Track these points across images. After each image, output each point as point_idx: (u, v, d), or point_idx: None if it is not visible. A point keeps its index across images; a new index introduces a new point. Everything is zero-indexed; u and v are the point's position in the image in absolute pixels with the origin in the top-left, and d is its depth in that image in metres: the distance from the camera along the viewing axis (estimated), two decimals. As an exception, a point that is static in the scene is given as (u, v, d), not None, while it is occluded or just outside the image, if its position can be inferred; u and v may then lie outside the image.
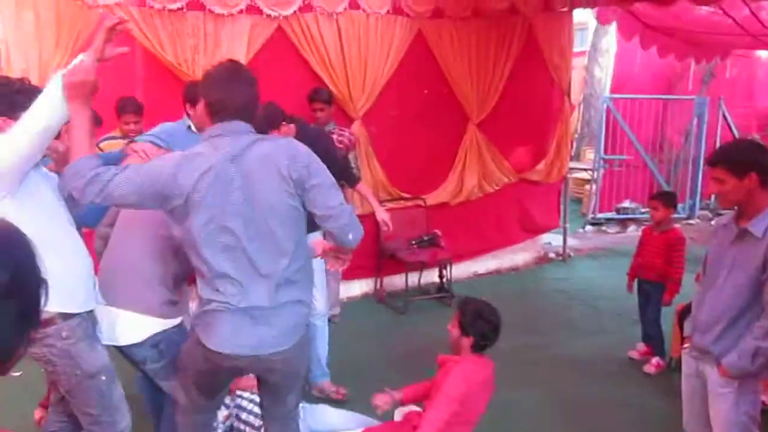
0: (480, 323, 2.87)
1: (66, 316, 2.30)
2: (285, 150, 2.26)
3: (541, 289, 6.51)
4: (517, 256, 7.02)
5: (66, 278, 2.26)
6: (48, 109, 2.12)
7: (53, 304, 2.18)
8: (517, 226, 6.85)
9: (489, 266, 6.80)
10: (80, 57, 2.19)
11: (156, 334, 2.59)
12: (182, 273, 2.61)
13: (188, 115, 3.37)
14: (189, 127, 3.31)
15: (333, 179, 2.32)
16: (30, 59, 4.31)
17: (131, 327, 2.57)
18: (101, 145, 4.24)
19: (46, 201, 2.29)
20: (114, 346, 2.59)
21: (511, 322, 5.12)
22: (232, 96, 2.26)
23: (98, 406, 2.43)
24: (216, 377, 2.44)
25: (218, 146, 2.21)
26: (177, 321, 2.67)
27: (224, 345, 2.25)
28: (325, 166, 2.31)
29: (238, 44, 4.91)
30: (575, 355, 4.75)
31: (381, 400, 2.92)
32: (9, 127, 2.18)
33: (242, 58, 4.90)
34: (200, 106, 2.31)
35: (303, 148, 2.30)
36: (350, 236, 2.34)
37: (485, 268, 6.76)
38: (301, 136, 2.95)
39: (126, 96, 4.38)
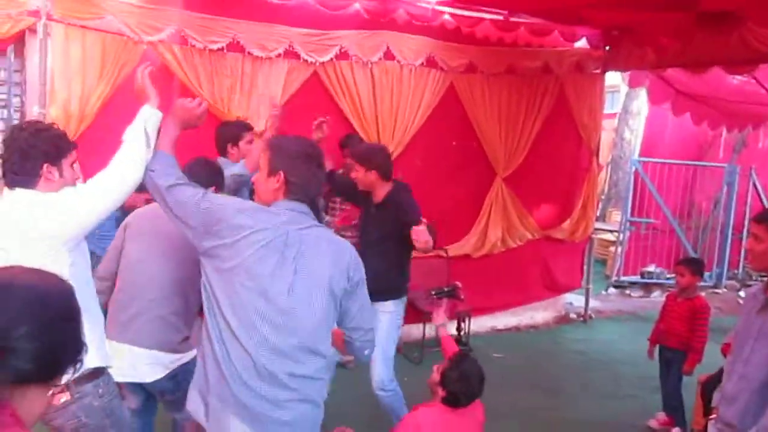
0: (460, 385, 2.78)
1: (98, 372, 2.25)
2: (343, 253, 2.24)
3: (560, 349, 6.39)
4: (537, 313, 6.93)
5: (95, 334, 2.23)
6: (138, 166, 2.17)
7: (91, 359, 2.20)
8: (539, 284, 6.78)
9: (508, 322, 6.72)
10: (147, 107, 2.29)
11: (175, 369, 2.63)
12: (198, 305, 2.62)
13: (226, 154, 3.46)
14: None
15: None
16: (72, 90, 4.44)
17: (152, 364, 2.59)
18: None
19: (85, 259, 2.29)
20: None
21: (528, 381, 5.08)
22: (313, 182, 2.24)
23: None
24: None
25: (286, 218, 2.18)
26: (193, 353, 2.68)
27: None
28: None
29: (275, 86, 5.03)
30: (592, 419, 4.62)
31: None
32: (52, 175, 2.19)
33: (277, 99, 5.02)
34: (278, 176, 2.19)
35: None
36: (366, 352, 2.38)
37: (504, 324, 6.68)
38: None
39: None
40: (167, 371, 2.65)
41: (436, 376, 2.83)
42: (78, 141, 4.44)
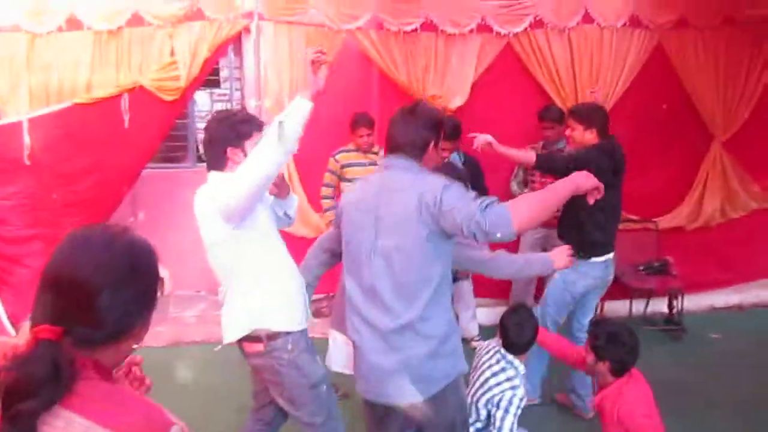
0: (613, 347, 2.70)
1: (288, 333, 2.52)
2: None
3: (792, 332, 5.68)
4: (764, 292, 6.21)
5: (284, 300, 2.51)
6: (269, 159, 2.29)
7: (277, 323, 2.47)
8: (766, 259, 6.07)
9: (729, 300, 6.10)
10: (298, 98, 2.35)
11: None
12: None
13: None
14: None
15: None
16: (282, 81, 4.83)
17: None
18: (337, 156, 4.61)
19: (263, 231, 2.52)
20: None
21: (751, 367, 4.59)
22: (400, 133, 2.34)
23: (321, 414, 2.59)
24: None
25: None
26: None
27: None
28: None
29: (468, 63, 5.02)
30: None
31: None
32: (237, 156, 2.46)
33: (470, 76, 5.02)
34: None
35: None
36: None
37: (724, 302, 6.08)
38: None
39: (360, 111, 4.69)
40: None
41: (590, 357, 2.77)
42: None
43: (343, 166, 4.59)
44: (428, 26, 4.95)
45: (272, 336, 2.48)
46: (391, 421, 2.42)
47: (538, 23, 5.07)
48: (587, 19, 5.15)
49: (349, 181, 4.51)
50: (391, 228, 2.22)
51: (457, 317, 4.41)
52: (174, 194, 5.14)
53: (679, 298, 5.44)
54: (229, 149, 2.47)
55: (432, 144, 2.33)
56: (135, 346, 1.23)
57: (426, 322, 2.23)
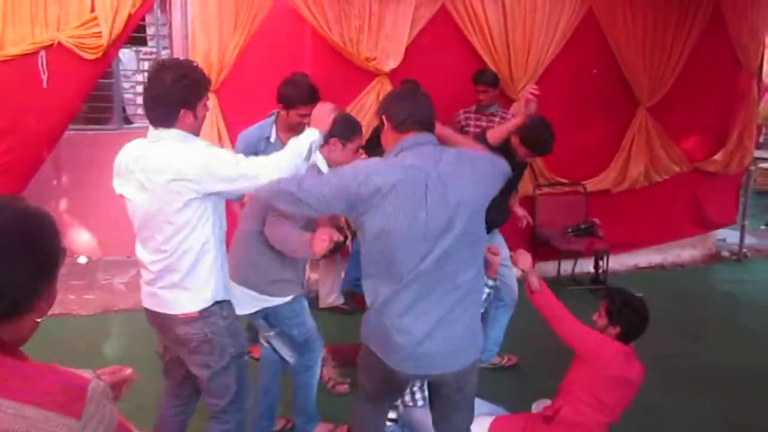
0: (629, 313, 2.78)
1: (223, 300, 2.49)
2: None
3: (709, 290, 6.01)
4: (684, 252, 6.53)
5: (222, 272, 2.46)
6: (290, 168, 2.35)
7: (216, 293, 2.41)
8: (687, 220, 6.35)
9: (652, 260, 6.39)
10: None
11: (265, 308, 2.91)
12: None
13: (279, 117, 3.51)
14: (268, 138, 3.50)
15: None
16: (212, 41, 4.66)
17: (245, 301, 2.83)
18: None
19: (219, 210, 2.44)
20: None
21: (672, 323, 4.83)
22: (419, 110, 2.31)
23: (233, 392, 2.54)
24: None
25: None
26: (286, 298, 2.92)
27: None
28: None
29: (402, 25, 4.97)
30: (743, 367, 4.31)
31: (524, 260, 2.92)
32: (188, 119, 2.32)
33: (404, 38, 4.97)
34: (386, 127, 2.33)
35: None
36: None
37: (647, 262, 6.37)
38: None
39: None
40: (256, 309, 2.93)
41: (601, 321, 2.82)
42: (219, 89, 4.72)
43: None
44: (361, -14, 4.86)
45: (209, 307, 2.44)
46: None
47: (473, -15, 5.05)
48: (521, -17, 5.16)
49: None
50: None
51: None
52: (100, 157, 4.93)
53: (605, 258, 5.65)
54: (182, 110, 2.29)
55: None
56: (38, 320, 1.17)
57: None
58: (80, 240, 5.71)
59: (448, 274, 2.18)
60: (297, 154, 2.39)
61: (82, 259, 5.73)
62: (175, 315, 2.41)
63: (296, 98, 3.33)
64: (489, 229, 3.82)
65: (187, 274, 2.36)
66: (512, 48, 5.26)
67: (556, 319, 2.84)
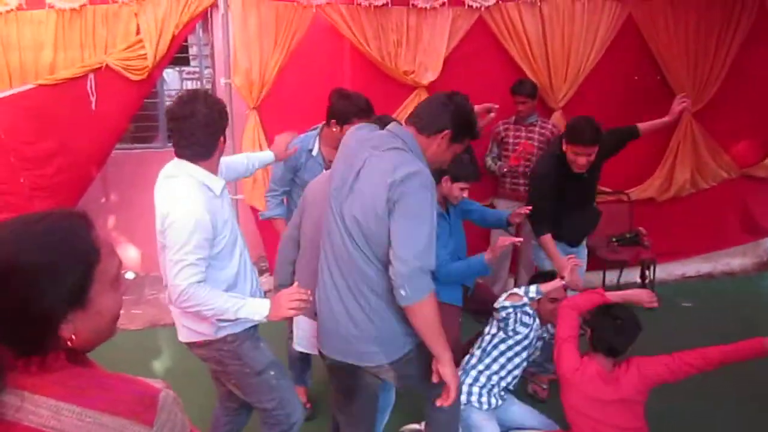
0: (603, 319, 2.80)
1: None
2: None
3: (760, 299, 5.81)
4: (734, 260, 6.34)
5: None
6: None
7: (218, 331, 2.43)
8: (736, 227, 6.17)
9: (700, 269, 6.22)
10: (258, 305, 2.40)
11: None
12: None
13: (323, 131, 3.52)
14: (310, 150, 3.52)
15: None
16: (252, 59, 4.75)
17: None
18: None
19: (224, 253, 2.44)
20: None
21: (723, 332, 4.64)
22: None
23: (271, 401, 2.58)
24: None
25: None
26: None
27: None
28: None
29: (439, 37, 4.98)
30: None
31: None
32: (222, 146, 2.45)
33: (442, 51, 4.98)
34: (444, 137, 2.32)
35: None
36: (402, 292, 2.16)
37: (695, 271, 6.20)
38: None
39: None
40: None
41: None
42: (260, 106, 4.80)
43: None
44: (399, 0, 4.89)
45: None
46: None
47: (510, -5, 5.04)
48: (559, -9, 5.12)
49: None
50: None
51: None
52: (145, 175, 5.04)
53: (652, 267, 5.53)
54: (221, 138, 2.43)
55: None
56: (110, 319, 1.20)
57: None
58: (127, 256, 5.85)
59: None
60: (223, 311, 2.30)
61: (130, 275, 5.87)
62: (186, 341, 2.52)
63: (353, 113, 3.30)
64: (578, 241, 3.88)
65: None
66: (551, 57, 5.21)
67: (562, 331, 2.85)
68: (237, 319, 2.35)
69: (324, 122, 3.54)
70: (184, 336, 2.52)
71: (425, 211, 2.15)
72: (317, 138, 3.58)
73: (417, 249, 2.11)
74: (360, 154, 2.27)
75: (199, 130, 2.33)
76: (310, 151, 3.56)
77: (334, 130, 3.40)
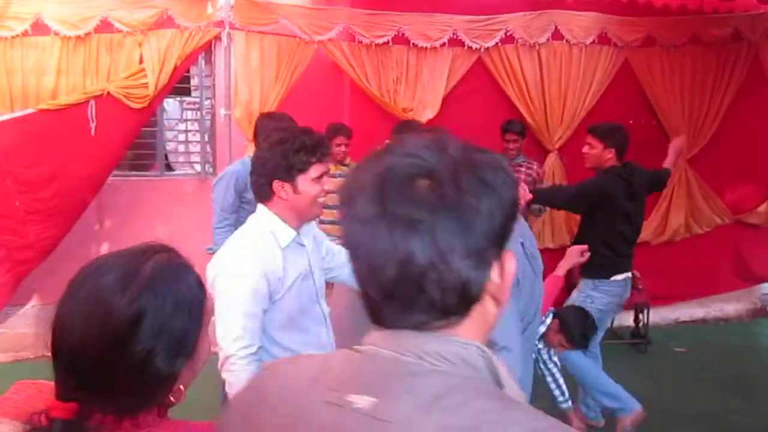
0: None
1: None
2: None
3: (754, 345, 5.80)
4: (727, 305, 6.33)
5: None
6: None
7: None
8: (730, 273, 6.18)
9: (693, 314, 6.21)
10: None
11: None
12: None
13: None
14: None
15: None
16: (253, 91, 4.80)
17: None
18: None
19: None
20: None
21: (713, 379, 4.66)
22: None
23: None
24: None
25: None
26: None
27: None
28: None
29: (439, 76, 5.05)
30: (794, 426, 4.13)
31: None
32: (284, 192, 2.07)
33: (441, 90, 5.05)
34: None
35: None
36: None
37: (689, 316, 6.19)
38: None
39: (335, 122, 4.65)
40: None
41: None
42: (259, 139, 4.82)
43: None
44: (400, 39, 4.98)
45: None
46: None
47: (509, 39, 5.13)
48: (557, 35, 5.23)
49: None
50: None
51: None
52: (140, 203, 5.06)
53: (645, 311, 5.51)
54: (275, 182, 2.05)
55: None
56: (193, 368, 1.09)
57: None
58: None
59: None
60: (231, 383, 2.08)
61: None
62: None
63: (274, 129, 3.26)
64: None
65: None
66: (548, 99, 5.29)
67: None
68: None
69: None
70: None
71: None
72: None
73: None
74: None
75: (257, 169, 2.20)
76: None
77: None
